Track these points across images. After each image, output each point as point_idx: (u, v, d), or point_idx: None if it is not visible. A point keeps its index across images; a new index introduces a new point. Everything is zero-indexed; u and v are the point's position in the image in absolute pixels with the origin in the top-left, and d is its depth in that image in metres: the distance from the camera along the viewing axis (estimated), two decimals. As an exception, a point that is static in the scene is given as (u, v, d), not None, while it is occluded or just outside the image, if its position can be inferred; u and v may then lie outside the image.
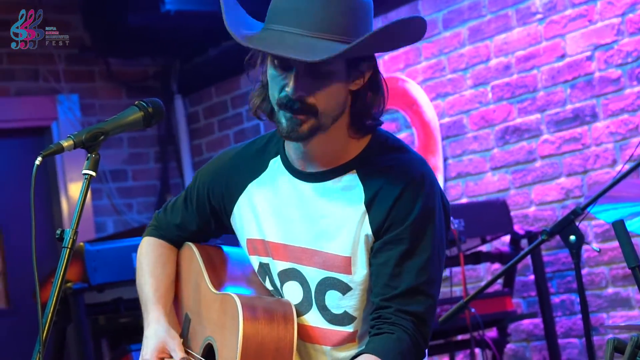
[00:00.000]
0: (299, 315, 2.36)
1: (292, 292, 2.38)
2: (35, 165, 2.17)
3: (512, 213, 4.60)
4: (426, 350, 2.32)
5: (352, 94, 2.30)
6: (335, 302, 2.34)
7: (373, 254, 2.29)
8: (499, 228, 4.45)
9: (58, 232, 2.21)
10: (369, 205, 2.29)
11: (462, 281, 4.19)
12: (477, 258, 4.52)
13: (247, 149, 2.48)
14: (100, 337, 4.94)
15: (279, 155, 2.42)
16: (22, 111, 6.23)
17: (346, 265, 2.31)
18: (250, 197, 2.43)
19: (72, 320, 3.77)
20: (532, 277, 4.60)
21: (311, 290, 2.36)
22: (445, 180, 5.05)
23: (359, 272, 2.31)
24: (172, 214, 2.59)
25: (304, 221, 2.35)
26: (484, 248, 4.72)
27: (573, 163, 4.51)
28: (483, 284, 3.31)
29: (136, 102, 2.35)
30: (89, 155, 2.24)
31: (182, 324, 2.59)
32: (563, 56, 4.52)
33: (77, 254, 3.86)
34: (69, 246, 2.19)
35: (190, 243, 2.57)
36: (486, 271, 4.90)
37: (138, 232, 5.74)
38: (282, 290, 2.40)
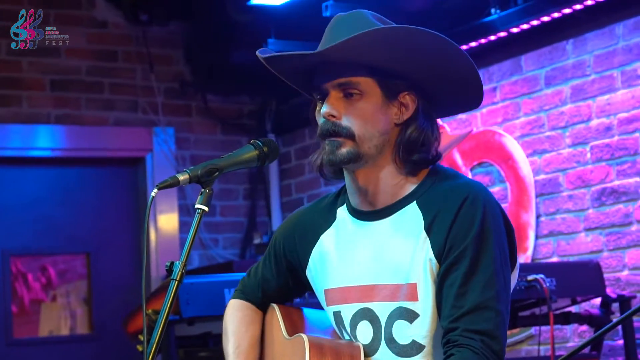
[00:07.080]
0: (369, 355, 2.38)
1: (363, 333, 2.41)
2: (151, 197, 2.24)
3: (604, 275, 4.53)
4: None
5: (398, 128, 2.36)
6: (403, 332, 2.35)
7: (440, 279, 2.30)
8: (590, 290, 4.38)
9: (168, 264, 2.25)
10: (429, 229, 2.32)
11: (550, 340, 4.14)
12: (567, 318, 4.45)
13: (318, 204, 2.57)
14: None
15: (344, 204, 2.49)
16: (118, 141, 6.33)
17: (412, 292, 2.33)
18: (322, 248, 2.50)
19: (161, 351, 3.80)
20: (620, 342, 4.53)
21: (381, 326, 2.38)
22: (537, 237, 5.01)
23: (425, 298, 2.32)
24: (255, 276, 2.65)
25: (372, 259, 2.39)
26: (573, 309, 4.65)
27: (670, 229, 4.45)
28: (569, 344, 3.27)
29: (251, 140, 2.41)
30: (202, 190, 2.29)
31: None
32: (666, 121, 4.47)
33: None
34: (178, 279, 2.22)
35: (274, 304, 2.62)
36: (573, 332, 4.83)
37: (223, 267, 5.82)
38: (355, 335, 2.43)
